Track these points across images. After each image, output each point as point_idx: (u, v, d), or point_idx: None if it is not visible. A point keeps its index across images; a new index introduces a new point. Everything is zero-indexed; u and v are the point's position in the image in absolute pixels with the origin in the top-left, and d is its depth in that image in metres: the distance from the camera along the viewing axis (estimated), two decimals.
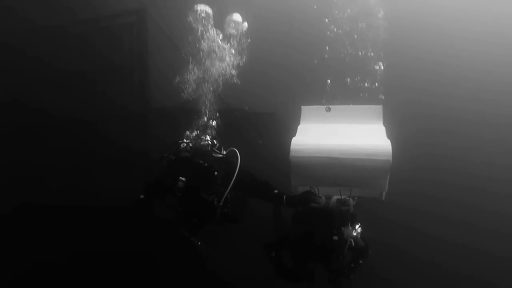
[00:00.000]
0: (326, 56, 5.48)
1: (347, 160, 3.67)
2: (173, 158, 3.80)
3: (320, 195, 3.95)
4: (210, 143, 3.94)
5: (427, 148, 6.58)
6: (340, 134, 4.04)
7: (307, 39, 6.21)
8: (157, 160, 3.89)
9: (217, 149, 3.98)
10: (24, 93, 6.07)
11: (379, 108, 4.35)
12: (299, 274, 4.01)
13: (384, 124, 4.26)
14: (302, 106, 4.60)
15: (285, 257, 4.13)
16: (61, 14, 6.13)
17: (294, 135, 4.17)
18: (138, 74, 5.83)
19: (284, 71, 6.78)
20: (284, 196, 3.88)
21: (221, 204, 3.78)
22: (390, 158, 3.62)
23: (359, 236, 3.94)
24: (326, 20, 5.32)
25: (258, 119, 6.27)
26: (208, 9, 3.74)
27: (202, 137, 4.00)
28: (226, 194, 3.75)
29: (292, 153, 3.85)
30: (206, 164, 3.72)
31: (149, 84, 5.87)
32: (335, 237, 3.73)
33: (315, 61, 5.49)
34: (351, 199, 3.96)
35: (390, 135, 4.00)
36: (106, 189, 5.45)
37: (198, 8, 3.71)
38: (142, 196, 3.89)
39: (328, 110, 4.50)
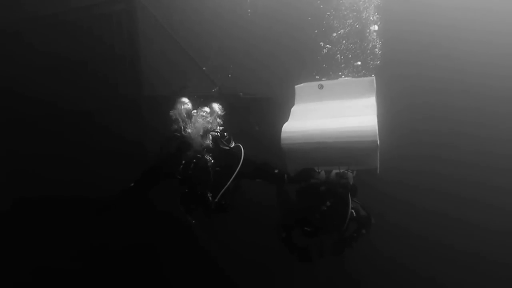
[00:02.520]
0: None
1: (336, 143, 3.76)
2: (183, 140, 3.73)
3: (319, 171, 4.00)
4: (219, 134, 3.90)
5: (422, 122, 6.58)
6: (330, 114, 4.13)
7: (302, 17, 6.18)
8: (166, 139, 3.83)
9: (226, 141, 3.95)
10: (15, 82, 5.94)
11: (371, 80, 4.37)
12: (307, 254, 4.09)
13: (377, 96, 4.28)
14: (296, 86, 4.64)
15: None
16: (53, 1, 6.03)
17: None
18: (130, 62, 5.78)
19: (278, 52, 6.74)
20: (285, 175, 3.96)
21: (216, 200, 3.75)
22: (376, 138, 3.68)
23: (359, 206, 3.99)
24: None
25: (254, 105, 6.25)
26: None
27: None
28: (223, 190, 3.72)
29: (283, 141, 3.96)
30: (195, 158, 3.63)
31: (141, 72, 5.83)
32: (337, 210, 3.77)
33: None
34: (349, 172, 3.97)
35: (383, 109, 4.03)
36: (102, 179, 5.40)
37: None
38: (132, 184, 3.81)
39: (321, 87, 4.53)
